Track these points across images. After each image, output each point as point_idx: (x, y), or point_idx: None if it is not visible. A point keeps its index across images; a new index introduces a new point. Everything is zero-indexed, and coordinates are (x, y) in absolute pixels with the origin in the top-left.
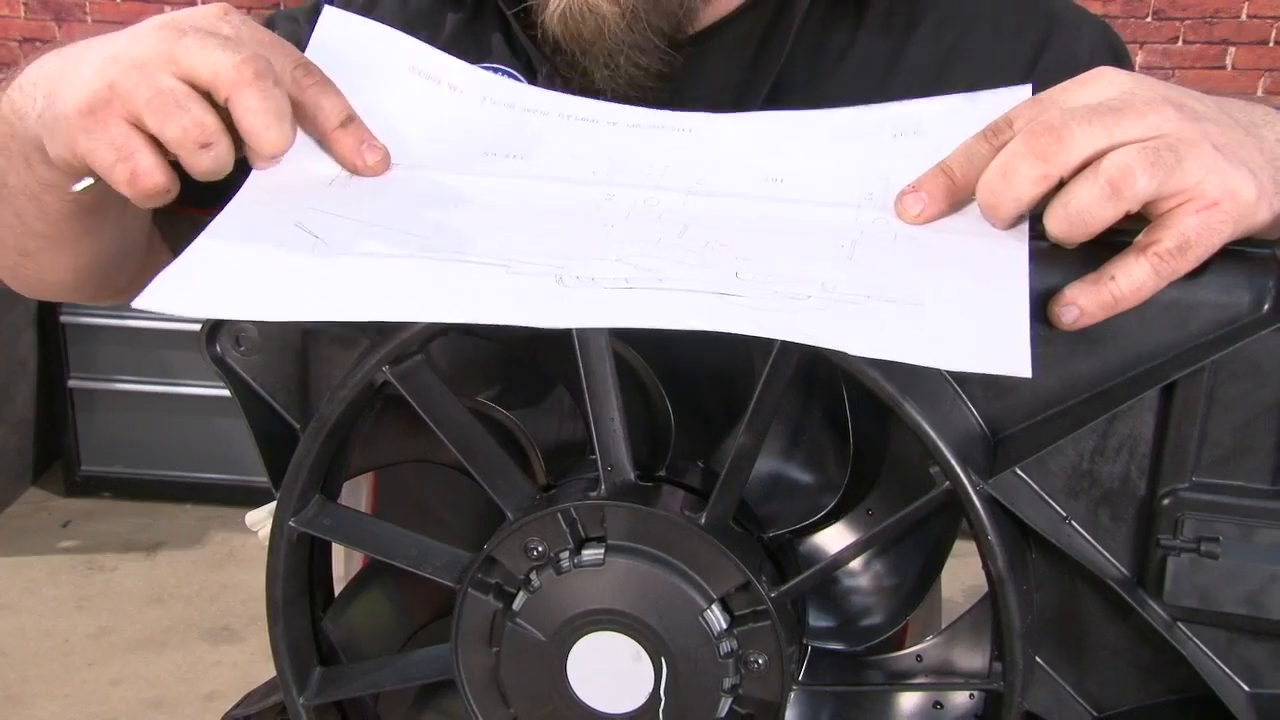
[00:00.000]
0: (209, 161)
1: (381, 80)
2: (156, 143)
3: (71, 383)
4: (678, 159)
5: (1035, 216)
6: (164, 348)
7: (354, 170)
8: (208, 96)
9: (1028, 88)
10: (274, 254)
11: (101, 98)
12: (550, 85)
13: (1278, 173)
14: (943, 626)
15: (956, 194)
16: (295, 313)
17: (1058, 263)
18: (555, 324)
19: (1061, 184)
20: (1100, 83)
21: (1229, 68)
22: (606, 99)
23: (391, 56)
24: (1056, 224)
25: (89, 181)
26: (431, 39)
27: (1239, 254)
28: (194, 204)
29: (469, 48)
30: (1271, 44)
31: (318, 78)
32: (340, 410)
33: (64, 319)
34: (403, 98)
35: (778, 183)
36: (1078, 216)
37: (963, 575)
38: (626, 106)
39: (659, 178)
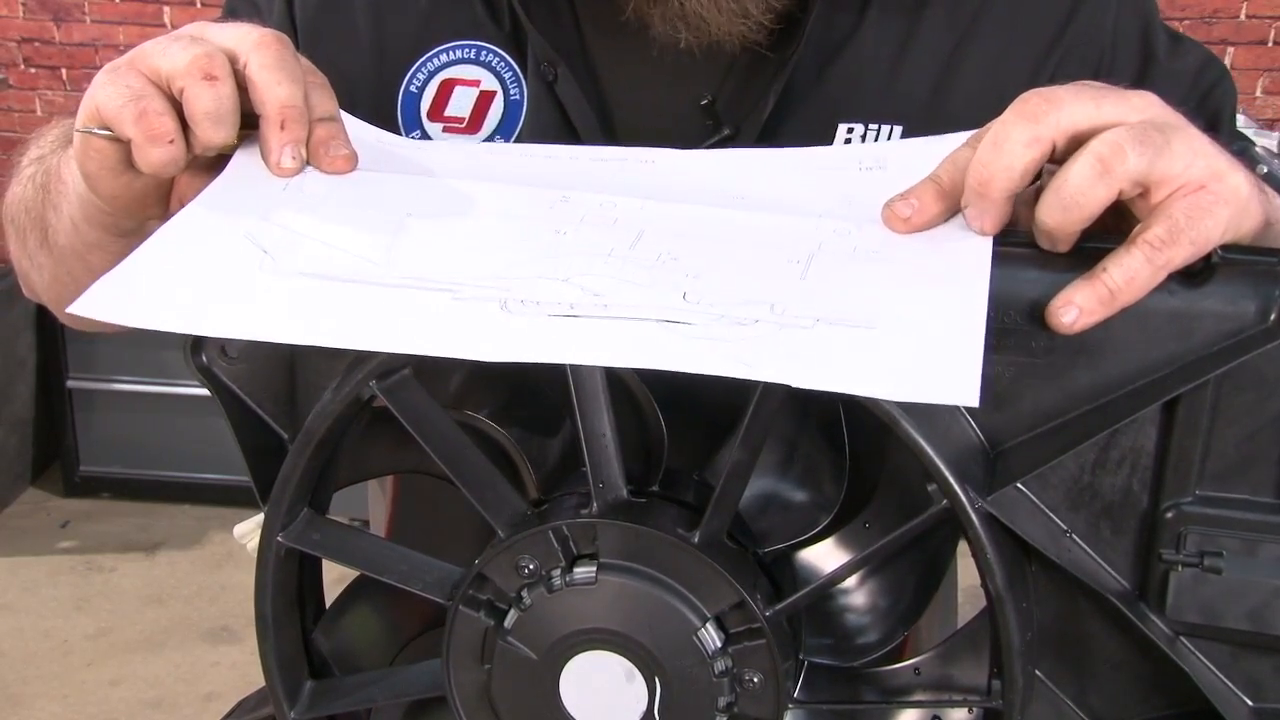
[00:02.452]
0: (210, 99)
1: None
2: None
3: (70, 383)
4: (639, 179)
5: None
6: (163, 348)
7: (315, 162)
8: None
9: None
10: (218, 267)
11: (125, 59)
12: (537, 63)
13: (1253, 180)
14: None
15: (946, 199)
16: (229, 330)
17: (1049, 269)
18: (494, 357)
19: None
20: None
21: (1228, 68)
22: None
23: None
24: (1050, 212)
25: (98, 130)
26: (405, 11)
27: (1244, 264)
28: None
29: (449, 16)
30: (1270, 44)
31: (322, 80)
32: (327, 425)
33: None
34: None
35: (740, 198)
36: (1071, 199)
37: (963, 576)
38: (591, 146)
39: (619, 188)
